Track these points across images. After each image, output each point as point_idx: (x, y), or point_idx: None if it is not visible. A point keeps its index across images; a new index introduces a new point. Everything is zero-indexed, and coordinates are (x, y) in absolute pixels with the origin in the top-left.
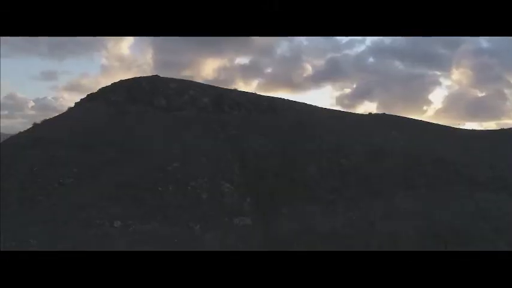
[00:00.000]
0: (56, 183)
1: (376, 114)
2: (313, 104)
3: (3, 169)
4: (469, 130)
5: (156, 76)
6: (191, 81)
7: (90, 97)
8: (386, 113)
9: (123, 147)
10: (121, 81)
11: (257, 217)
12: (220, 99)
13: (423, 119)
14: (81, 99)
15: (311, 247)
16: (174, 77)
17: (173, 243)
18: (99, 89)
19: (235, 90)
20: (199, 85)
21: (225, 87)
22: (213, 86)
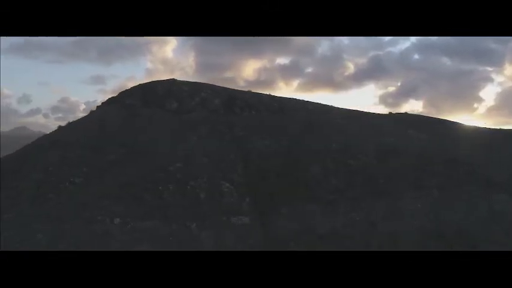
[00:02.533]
0: (67, 183)
1: (396, 114)
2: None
3: (24, 169)
4: (496, 129)
5: (173, 80)
6: (205, 84)
7: (110, 100)
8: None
9: (131, 149)
10: (140, 85)
11: (256, 217)
12: (231, 101)
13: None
14: (102, 102)
15: (309, 247)
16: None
17: (169, 241)
18: (119, 93)
19: (248, 92)
20: (212, 87)
21: (238, 89)
22: (226, 88)
